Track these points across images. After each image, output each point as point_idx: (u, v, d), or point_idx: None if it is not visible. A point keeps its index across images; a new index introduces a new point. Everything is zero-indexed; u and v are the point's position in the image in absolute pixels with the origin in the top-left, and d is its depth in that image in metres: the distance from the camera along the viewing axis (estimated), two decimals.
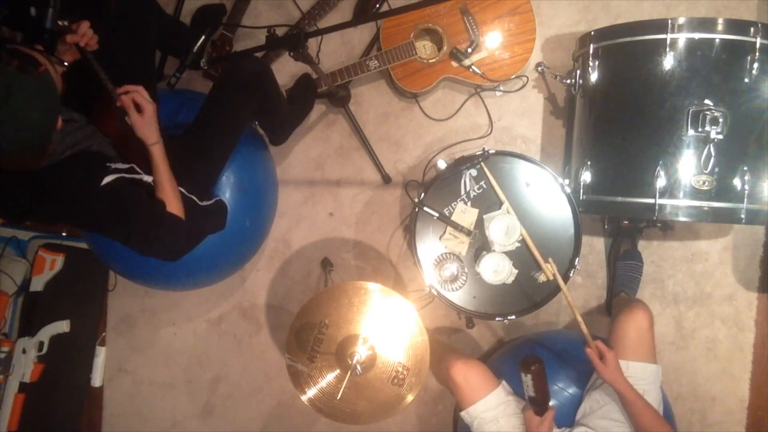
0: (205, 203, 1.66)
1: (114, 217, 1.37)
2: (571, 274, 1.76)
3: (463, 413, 1.66)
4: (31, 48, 1.20)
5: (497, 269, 1.75)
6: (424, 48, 2.14)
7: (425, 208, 1.77)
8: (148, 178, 1.45)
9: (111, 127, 1.50)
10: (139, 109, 1.42)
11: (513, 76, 2.09)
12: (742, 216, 1.62)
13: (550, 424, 1.51)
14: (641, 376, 1.58)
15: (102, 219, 1.38)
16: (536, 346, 1.91)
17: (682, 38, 1.61)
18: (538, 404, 1.51)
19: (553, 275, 1.69)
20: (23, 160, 1.25)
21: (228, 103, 1.69)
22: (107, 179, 1.33)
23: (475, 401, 1.63)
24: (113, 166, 1.38)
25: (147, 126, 1.42)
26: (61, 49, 1.42)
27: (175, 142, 1.58)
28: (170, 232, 1.44)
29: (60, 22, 1.30)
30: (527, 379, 1.48)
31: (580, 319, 1.59)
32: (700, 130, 1.59)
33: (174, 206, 1.47)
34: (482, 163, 1.78)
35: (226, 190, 1.84)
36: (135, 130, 1.42)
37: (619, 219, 2.06)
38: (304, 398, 1.65)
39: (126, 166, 1.41)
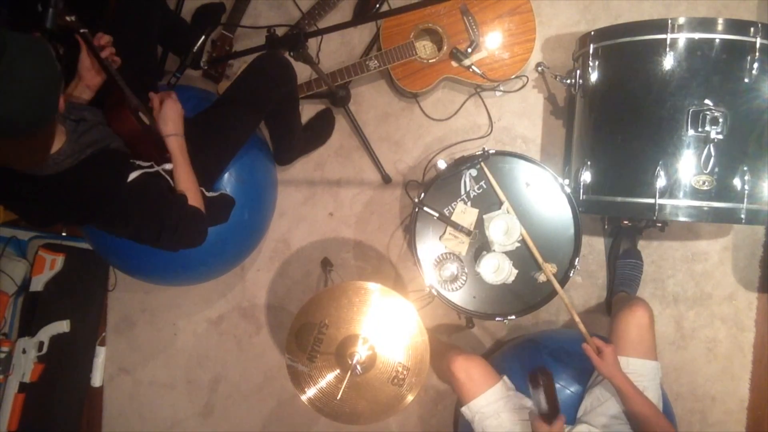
0: (210, 194, 1.67)
1: (144, 213, 1.37)
2: (571, 274, 1.76)
3: (464, 408, 1.66)
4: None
5: (497, 269, 1.75)
6: (424, 48, 2.14)
7: (425, 208, 1.77)
8: (168, 166, 1.46)
9: (123, 127, 1.49)
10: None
11: (513, 76, 2.09)
12: (742, 216, 1.62)
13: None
14: (641, 372, 1.58)
15: (132, 217, 1.37)
16: (536, 345, 1.91)
17: (682, 38, 1.61)
18: (549, 416, 1.49)
19: (552, 275, 1.69)
20: (29, 146, 1.17)
21: (254, 90, 1.70)
22: (133, 175, 1.33)
23: (476, 396, 1.63)
24: (137, 162, 1.39)
25: (163, 118, 1.49)
26: (86, 76, 1.46)
27: (189, 126, 1.59)
28: (194, 225, 1.46)
29: (68, 17, 1.28)
30: (537, 393, 1.45)
31: (577, 318, 1.60)
32: (700, 130, 1.59)
33: (194, 199, 1.48)
34: (482, 163, 1.78)
35: (226, 184, 1.84)
36: (155, 122, 1.48)
37: (619, 219, 2.06)
38: (304, 398, 1.65)
39: (147, 163, 1.42)
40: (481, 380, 1.65)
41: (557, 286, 1.69)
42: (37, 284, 2.14)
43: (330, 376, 1.64)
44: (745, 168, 1.61)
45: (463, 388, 1.65)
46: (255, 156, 1.98)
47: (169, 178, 1.47)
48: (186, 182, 1.49)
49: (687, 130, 1.61)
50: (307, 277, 2.32)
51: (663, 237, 2.14)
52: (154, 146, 1.49)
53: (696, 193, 1.62)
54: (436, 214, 1.77)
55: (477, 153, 1.78)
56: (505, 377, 1.71)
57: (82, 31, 1.35)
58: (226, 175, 1.84)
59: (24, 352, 2.11)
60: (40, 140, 1.20)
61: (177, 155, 1.49)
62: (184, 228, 1.42)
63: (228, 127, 1.71)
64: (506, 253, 1.76)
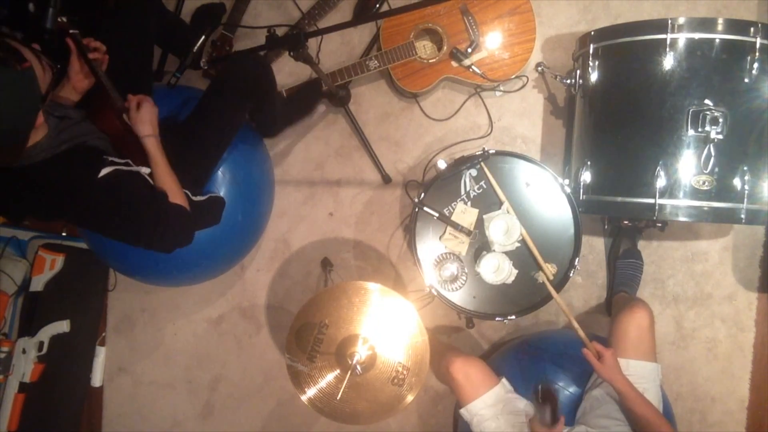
0: (198, 198, 1.66)
1: (116, 210, 1.36)
2: (571, 274, 1.76)
3: (462, 410, 1.66)
4: (23, 44, 1.18)
5: (497, 269, 1.75)
6: (424, 48, 2.14)
7: (425, 208, 1.77)
8: (145, 170, 1.45)
9: (108, 125, 1.51)
10: (138, 105, 1.48)
11: (513, 76, 2.09)
12: (742, 216, 1.62)
13: None
14: (641, 374, 1.58)
15: (105, 214, 1.37)
16: (536, 347, 1.91)
17: (682, 38, 1.61)
18: (550, 426, 1.49)
19: (548, 280, 1.69)
20: None
21: (227, 101, 1.69)
22: (104, 171, 1.33)
23: (474, 398, 1.63)
24: (110, 158, 1.37)
25: (141, 120, 1.48)
26: (74, 78, 1.46)
27: (170, 132, 1.59)
28: (177, 222, 1.44)
29: (60, 19, 1.29)
30: (543, 408, 1.44)
31: (575, 324, 1.59)
32: (700, 130, 1.59)
33: (176, 196, 1.47)
34: (482, 163, 1.78)
35: (221, 185, 1.84)
36: (132, 125, 1.47)
37: (619, 219, 2.06)
38: (304, 398, 1.65)
39: (123, 161, 1.41)
40: (480, 382, 1.65)
41: (553, 291, 1.69)
42: (37, 284, 2.14)
43: (330, 376, 1.64)
44: (745, 168, 1.61)
45: (462, 390, 1.64)
46: (250, 157, 1.98)
47: (148, 178, 1.46)
48: (166, 182, 1.48)
49: (687, 130, 1.61)
50: (307, 277, 2.32)
51: (663, 237, 2.14)
52: (137, 147, 1.49)
53: (696, 193, 1.62)
54: (436, 214, 1.77)
55: (477, 153, 1.78)
56: (504, 379, 1.71)
57: (72, 32, 1.36)
58: (220, 176, 1.84)
59: (24, 352, 2.11)
60: (12, 148, 1.22)
61: (155, 155, 1.48)
62: (166, 226, 1.40)
63: (209, 132, 1.70)
64: (506, 253, 1.76)
